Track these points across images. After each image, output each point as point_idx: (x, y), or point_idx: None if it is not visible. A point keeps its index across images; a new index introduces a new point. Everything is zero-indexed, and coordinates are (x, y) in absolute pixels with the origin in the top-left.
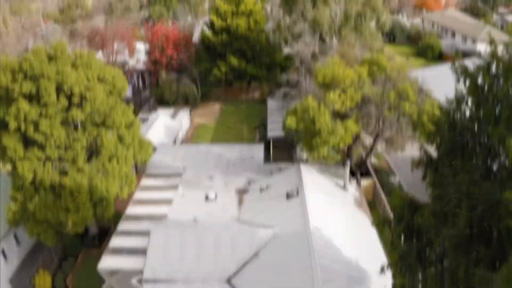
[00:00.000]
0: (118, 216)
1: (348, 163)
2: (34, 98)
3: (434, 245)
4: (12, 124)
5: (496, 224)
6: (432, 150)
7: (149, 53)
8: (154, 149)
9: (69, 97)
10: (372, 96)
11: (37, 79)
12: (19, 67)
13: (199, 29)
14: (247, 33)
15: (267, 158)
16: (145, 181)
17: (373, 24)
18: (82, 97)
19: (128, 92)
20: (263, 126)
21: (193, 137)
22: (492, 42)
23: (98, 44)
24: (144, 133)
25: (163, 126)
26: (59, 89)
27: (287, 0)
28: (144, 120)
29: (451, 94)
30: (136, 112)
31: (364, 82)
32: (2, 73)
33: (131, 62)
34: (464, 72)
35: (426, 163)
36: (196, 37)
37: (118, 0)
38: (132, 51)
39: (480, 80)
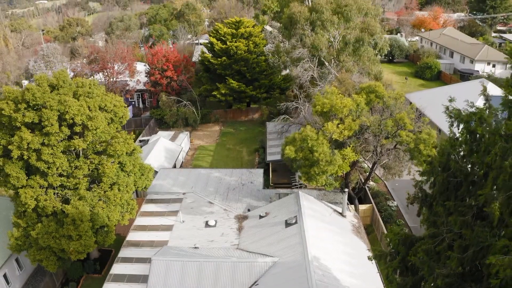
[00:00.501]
0: (119, 240)
1: (346, 190)
2: (36, 127)
3: (428, 283)
4: (15, 153)
5: (487, 266)
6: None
7: (149, 74)
8: (155, 173)
9: (71, 126)
10: (370, 125)
11: (39, 108)
12: (22, 97)
13: (198, 48)
14: (247, 56)
15: (266, 181)
16: (145, 207)
17: (371, 47)
18: (84, 126)
19: (129, 113)
20: (263, 149)
21: (193, 159)
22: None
23: (98, 65)
24: (144, 156)
25: (163, 149)
26: (61, 119)
27: (286, 25)
28: (144, 143)
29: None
30: (136, 133)
31: (362, 111)
32: (5, 103)
33: (131, 83)
34: (457, 117)
35: (421, 200)
36: (196, 57)
37: (118, 20)
38: (132, 73)
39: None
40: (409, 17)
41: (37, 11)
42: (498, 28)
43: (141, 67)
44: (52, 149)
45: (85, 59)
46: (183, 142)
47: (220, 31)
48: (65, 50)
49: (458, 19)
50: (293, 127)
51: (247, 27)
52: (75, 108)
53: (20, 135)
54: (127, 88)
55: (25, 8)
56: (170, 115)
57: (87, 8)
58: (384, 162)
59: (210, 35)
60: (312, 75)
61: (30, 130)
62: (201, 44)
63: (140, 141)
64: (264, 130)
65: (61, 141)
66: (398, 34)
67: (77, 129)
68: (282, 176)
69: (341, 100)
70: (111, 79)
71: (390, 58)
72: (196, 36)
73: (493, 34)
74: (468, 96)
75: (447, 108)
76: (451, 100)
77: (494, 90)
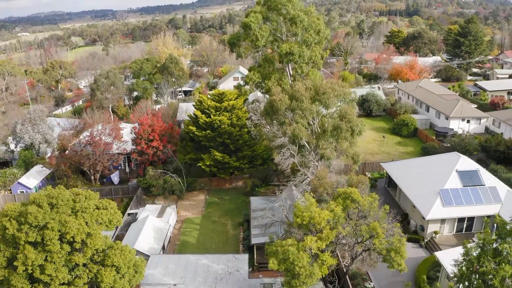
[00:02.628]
0: None
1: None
2: (39, 244)
3: None
4: (20, 268)
5: None
6: None
7: (135, 143)
8: (146, 256)
9: (71, 243)
10: (346, 235)
11: (41, 228)
12: (25, 219)
13: (182, 106)
14: (230, 129)
15: (251, 260)
16: None
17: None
18: (83, 243)
19: (115, 178)
20: (247, 222)
21: (180, 234)
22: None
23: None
24: (134, 237)
25: (152, 228)
26: (62, 236)
27: (268, 111)
28: (133, 216)
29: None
30: (124, 202)
31: (339, 219)
32: (8, 221)
33: (115, 147)
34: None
35: None
36: (180, 114)
37: (103, 77)
38: (118, 138)
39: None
40: (386, 65)
41: (19, 45)
42: (474, 70)
43: (127, 129)
44: (54, 264)
45: (72, 130)
46: (171, 217)
47: (204, 104)
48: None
49: (435, 64)
50: (276, 208)
51: (230, 99)
52: (75, 229)
53: (24, 253)
54: (113, 158)
55: (7, 41)
56: (157, 187)
57: (69, 43)
58: (360, 259)
59: (194, 107)
60: (294, 161)
61: (33, 246)
62: (183, 91)
63: (129, 214)
64: (248, 201)
65: (63, 256)
66: (376, 86)
67: (77, 245)
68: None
69: (319, 214)
70: (99, 150)
71: (368, 112)
72: (180, 87)
73: (469, 78)
74: (443, 169)
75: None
76: None
77: (466, 164)
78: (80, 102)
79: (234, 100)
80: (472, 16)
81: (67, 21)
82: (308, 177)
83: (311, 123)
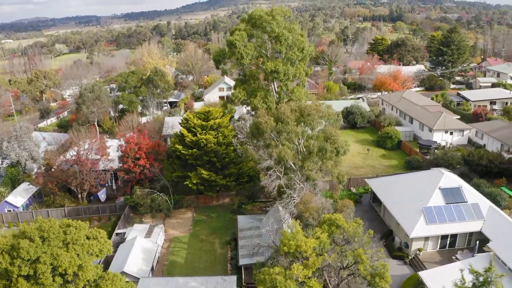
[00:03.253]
0: None
1: None
2: (32, 277)
3: None
4: None
5: None
6: None
7: (122, 161)
8: (135, 279)
9: (63, 275)
10: (331, 261)
11: (33, 262)
12: (17, 254)
13: (168, 120)
14: (216, 148)
15: (239, 281)
16: None
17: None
18: (75, 275)
19: (102, 196)
20: (234, 241)
21: (168, 253)
22: None
23: (70, 147)
24: (123, 259)
25: (141, 250)
26: (54, 269)
27: (254, 133)
28: (121, 236)
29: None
30: (112, 221)
31: (324, 245)
32: (0, 255)
33: (102, 165)
34: None
35: None
36: (167, 130)
37: (89, 91)
38: (104, 154)
39: None
40: (370, 75)
41: (2, 52)
42: (457, 79)
43: (113, 146)
44: None
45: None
46: (159, 237)
47: (190, 122)
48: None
49: (418, 73)
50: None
51: (216, 117)
52: (67, 262)
53: (18, 287)
54: (100, 176)
55: None
56: (144, 206)
57: (53, 51)
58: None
59: (180, 125)
60: (280, 182)
61: (25, 279)
62: (168, 102)
63: (117, 234)
64: (235, 219)
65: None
66: (360, 98)
67: (69, 278)
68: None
69: (306, 243)
70: (85, 169)
71: (353, 124)
72: (166, 99)
73: (452, 86)
74: (426, 186)
75: None
76: None
77: (449, 181)
78: (66, 114)
79: (220, 119)
80: (455, 25)
81: (51, 27)
82: (294, 199)
83: (297, 143)
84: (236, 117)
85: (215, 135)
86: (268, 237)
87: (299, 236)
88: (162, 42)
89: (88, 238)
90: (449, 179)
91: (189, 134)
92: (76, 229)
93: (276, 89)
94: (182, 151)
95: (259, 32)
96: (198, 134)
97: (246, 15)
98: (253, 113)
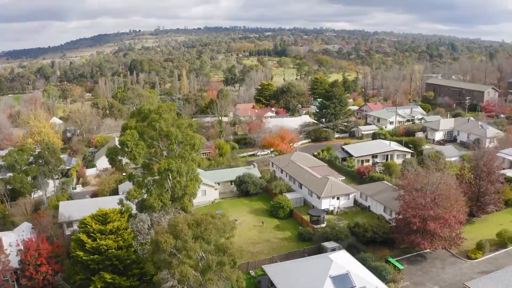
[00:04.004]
0: None
1: None
2: None
3: None
4: None
5: None
6: None
7: (22, 270)
8: None
9: None
10: None
11: None
12: None
13: (63, 206)
14: (117, 252)
15: None
16: None
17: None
18: None
19: None
20: None
21: None
22: None
23: None
24: None
25: None
26: None
27: (154, 250)
28: None
29: None
30: None
31: None
32: None
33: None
34: None
35: None
36: (61, 216)
37: None
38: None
39: None
40: (259, 133)
41: None
42: (341, 128)
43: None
44: None
45: None
46: None
47: (88, 226)
48: None
49: (304, 125)
50: None
51: (114, 220)
52: None
53: None
54: None
55: None
56: None
57: None
58: None
59: (78, 227)
60: None
61: None
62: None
63: None
64: None
65: None
66: (251, 165)
67: None
68: None
69: None
70: None
71: (246, 192)
72: (57, 175)
73: (336, 135)
74: (318, 274)
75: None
76: None
77: (338, 268)
78: None
79: (118, 221)
80: (335, 80)
81: None
82: None
83: (197, 258)
84: (133, 210)
85: (115, 238)
86: None
87: None
88: (47, 91)
89: None
90: (338, 266)
91: (89, 239)
92: None
93: (171, 184)
94: (83, 257)
95: (150, 129)
96: (98, 240)
97: (135, 109)
98: (150, 212)
